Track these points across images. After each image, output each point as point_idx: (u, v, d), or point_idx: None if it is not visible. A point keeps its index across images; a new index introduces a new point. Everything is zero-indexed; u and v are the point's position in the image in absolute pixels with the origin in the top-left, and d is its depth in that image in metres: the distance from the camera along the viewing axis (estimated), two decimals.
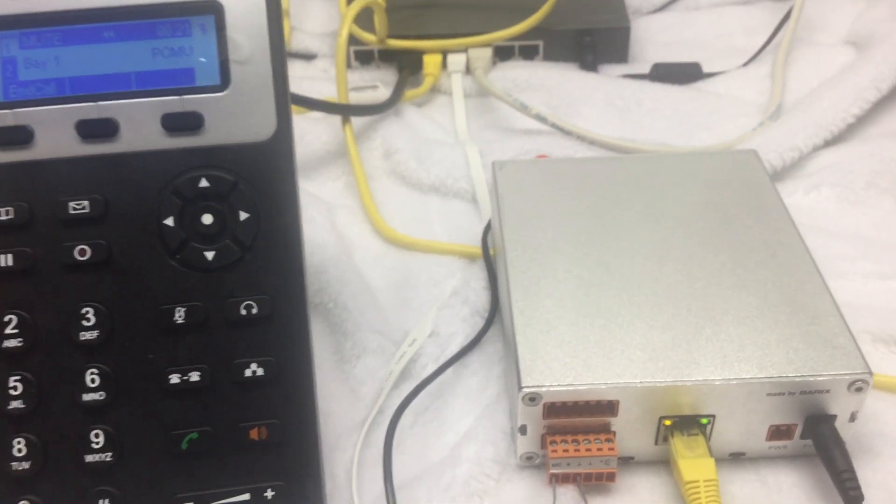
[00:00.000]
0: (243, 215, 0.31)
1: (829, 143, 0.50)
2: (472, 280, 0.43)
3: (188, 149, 0.31)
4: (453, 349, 0.39)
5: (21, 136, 0.30)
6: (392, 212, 0.49)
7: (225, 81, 0.31)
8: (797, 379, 0.32)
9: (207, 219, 0.31)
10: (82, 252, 0.30)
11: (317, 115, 0.55)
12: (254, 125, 0.31)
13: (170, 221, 0.31)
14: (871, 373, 0.32)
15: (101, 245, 0.30)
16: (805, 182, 0.48)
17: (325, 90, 0.56)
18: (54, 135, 0.30)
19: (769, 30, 0.60)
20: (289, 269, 0.31)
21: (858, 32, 0.60)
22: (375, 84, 0.58)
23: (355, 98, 0.55)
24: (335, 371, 0.39)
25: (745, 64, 0.59)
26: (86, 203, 0.30)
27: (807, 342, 0.33)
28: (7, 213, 0.30)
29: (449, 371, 0.38)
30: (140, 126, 0.31)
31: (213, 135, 0.31)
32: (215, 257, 0.31)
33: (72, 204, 0.30)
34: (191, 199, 0.31)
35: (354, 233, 0.47)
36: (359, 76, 0.60)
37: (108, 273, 0.30)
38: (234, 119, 0.31)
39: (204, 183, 0.31)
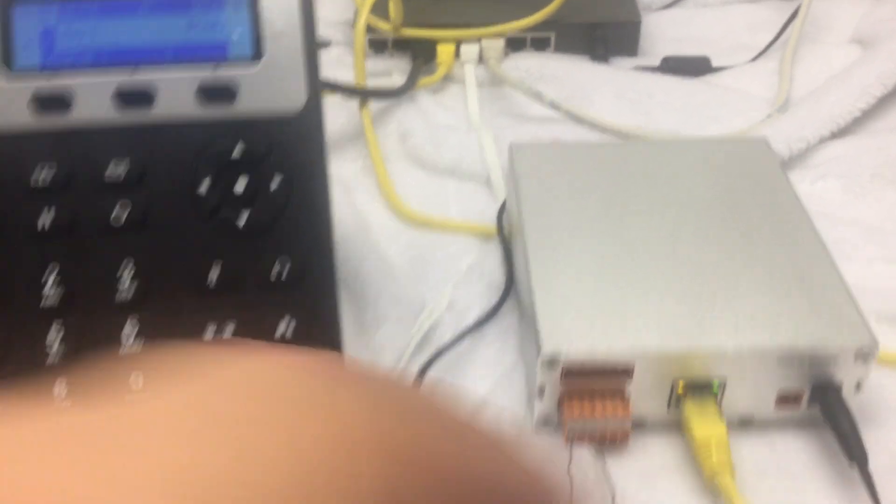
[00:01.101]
0: (275, 183, 0.32)
1: (835, 136, 0.51)
2: (488, 257, 0.44)
3: (222, 117, 0.32)
4: (470, 321, 0.40)
5: (61, 101, 0.31)
6: (408, 193, 0.50)
7: (258, 53, 0.32)
8: (806, 347, 0.33)
9: (240, 185, 0.32)
10: (119, 214, 0.31)
11: (334, 99, 0.56)
12: (285, 96, 0.32)
13: (204, 187, 0.32)
14: (877, 343, 0.33)
15: (136, 208, 0.31)
16: (812, 172, 0.49)
17: (340, 77, 0.58)
18: (93, 101, 0.32)
19: (776, 28, 0.62)
20: (318, 233, 0.32)
21: (864, 31, 0.61)
22: (389, 71, 0.59)
23: (371, 82, 0.56)
24: (356, 340, 0.40)
25: (754, 59, 0.61)
26: (123, 167, 0.31)
27: (815, 313, 0.34)
28: (48, 174, 0.31)
29: (466, 342, 0.40)
30: (176, 94, 0.32)
31: (246, 105, 0.32)
32: (248, 222, 0.32)
33: (109, 168, 0.31)
34: (225, 165, 0.32)
35: (372, 211, 0.48)
36: (372, 64, 0.61)
37: (144, 235, 0.32)
38: (267, 90, 0.32)
39: (237, 152, 0.32)
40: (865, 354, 0.33)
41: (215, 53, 0.32)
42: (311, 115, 0.32)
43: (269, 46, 0.32)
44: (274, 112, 0.32)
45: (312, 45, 0.33)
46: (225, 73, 0.32)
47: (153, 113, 0.32)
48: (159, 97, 0.32)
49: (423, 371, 0.36)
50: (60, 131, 0.32)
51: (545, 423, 0.35)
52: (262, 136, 0.32)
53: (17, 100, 0.31)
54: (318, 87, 0.33)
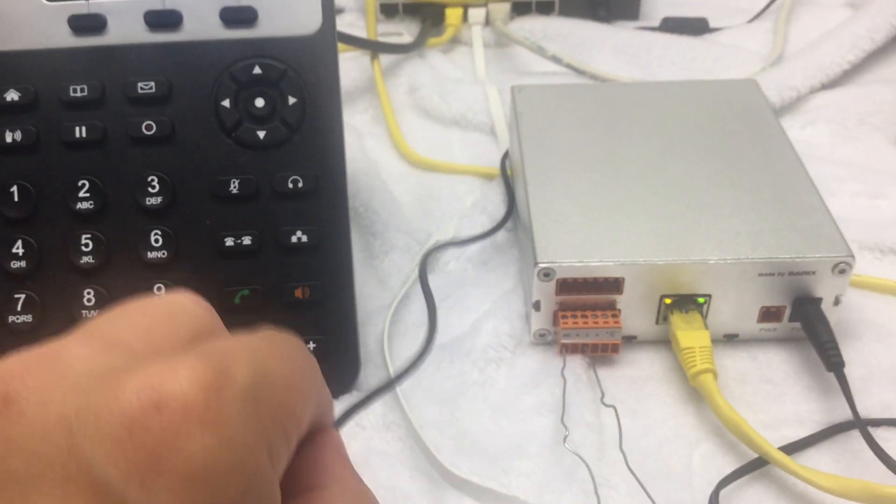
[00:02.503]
0: (291, 100, 0.34)
1: (825, 86, 0.54)
2: (491, 194, 0.46)
3: (244, 39, 0.34)
4: (473, 250, 0.43)
5: (95, 23, 0.34)
6: (416, 141, 0.52)
7: None
8: (786, 260, 0.35)
9: (260, 102, 0.34)
10: (148, 127, 0.34)
11: (346, 55, 0.58)
12: (302, 20, 0.35)
13: (226, 103, 0.34)
14: (852, 255, 0.35)
15: (164, 122, 0.34)
16: (801, 118, 0.51)
17: None
18: (125, 23, 0.34)
19: None
20: (331, 149, 0.35)
21: None
22: (400, 32, 0.62)
23: (384, 41, 0.59)
24: (365, 266, 0.42)
25: (750, 21, 0.63)
26: (152, 84, 0.34)
27: (795, 230, 0.36)
28: (82, 90, 0.34)
29: (468, 267, 0.42)
30: (201, 18, 0.34)
31: (265, 27, 0.35)
32: (266, 136, 0.34)
33: (140, 84, 0.34)
34: (245, 83, 0.34)
35: (381, 156, 0.51)
36: (383, 27, 0.63)
37: (170, 147, 0.34)
38: (285, 14, 0.35)
39: (257, 70, 0.34)
40: (843, 267, 0.35)
41: None
42: (324, 38, 0.35)
43: None
44: (291, 34, 0.34)
45: None
46: None
47: (180, 34, 0.34)
48: (186, 20, 0.34)
49: (428, 253, 0.39)
50: (95, 50, 0.34)
51: (541, 335, 0.38)
52: (280, 57, 0.34)
53: (56, 21, 0.34)
54: (332, 13, 0.35)
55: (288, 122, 0.34)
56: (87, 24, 0.34)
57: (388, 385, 0.32)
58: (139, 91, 0.34)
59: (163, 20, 0.34)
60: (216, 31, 0.34)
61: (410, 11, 0.65)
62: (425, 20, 0.63)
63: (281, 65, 0.34)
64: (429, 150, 0.51)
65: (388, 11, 0.65)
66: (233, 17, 0.34)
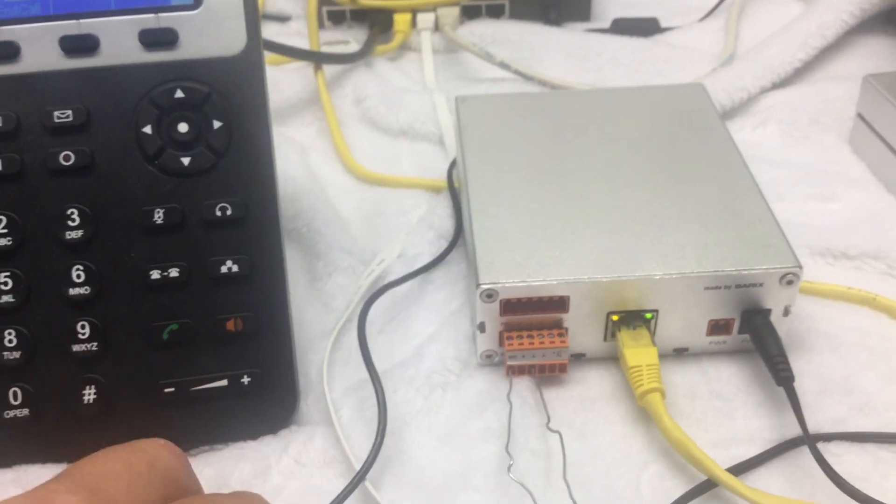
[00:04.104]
0: (216, 124, 0.33)
1: (776, 86, 0.53)
2: (438, 209, 0.45)
3: (164, 62, 0.33)
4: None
5: (8, 51, 0.32)
6: (363, 153, 0.51)
7: (197, 0, 0.33)
8: (732, 272, 0.34)
9: (183, 127, 0.33)
10: (67, 158, 0.32)
11: (290, 66, 0.57)
12: (225, 40, 0.33)
13: (148, 129, 0.33)
14: (800, 266, 0.34)
15: (84, 151, 0.33)
16: (752, 119, 0.51)
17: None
18: (39, 50, 0.33)
19: None
20: (261, 174, 0.34)
21: None
22: (347, 40, 0.61)
23: (328, 51, 0.57)
24: (308, 288, 0.41)
25: (701, 19, 0.62)
26: (69, 112, 0.32)
27: (742, 242, 0.35)
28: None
29: (415, 286, 0.41)
30: (119, 41, 0.33)
31: (187, 49, 0.33)
32: (191, 163, 0.33)
33: (56, 113, 0.32)
34: (167, 108, 0.33)
35: (326, 171, 0.50)
36: (331, 34, 0.62)
37: (91, 177, 0.33)
38: (207, 34, 0.33)
39: (179, 94, 0.33)
40: (790, 278, 0.34)
41: (157, 0, 0.33)
42: (250, 58, 0.33)
43: None
44: (214, 55, 0.33)
45: None
46: (166, 18, 0.33)
47: (97, 59, 0.33)
48: (103, 44, 0.33)
49: (367, 306, 0.37)
50: (8, 79, 0.33)
51: (488, 356, 0.37)
52: (203, 80, 0.33)
53: None
54: (257, 31, 0.34)
55: (213, 147, 0.33)
56: (0, 51, 0.32)
57: (354, 483, 0.31)
58: (56, 120, 0.32)
59: (79, 45, 0.33)
60: (135, 54, 0.33)
61: (358, 18, 0.63)
62: (373, 27, 0.61)
63: (204, 87, 0.33)
64: (376, 162, 0.50)
65: (336, 18, 0.64)
66: (152, 39, 0.33)
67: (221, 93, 0.33)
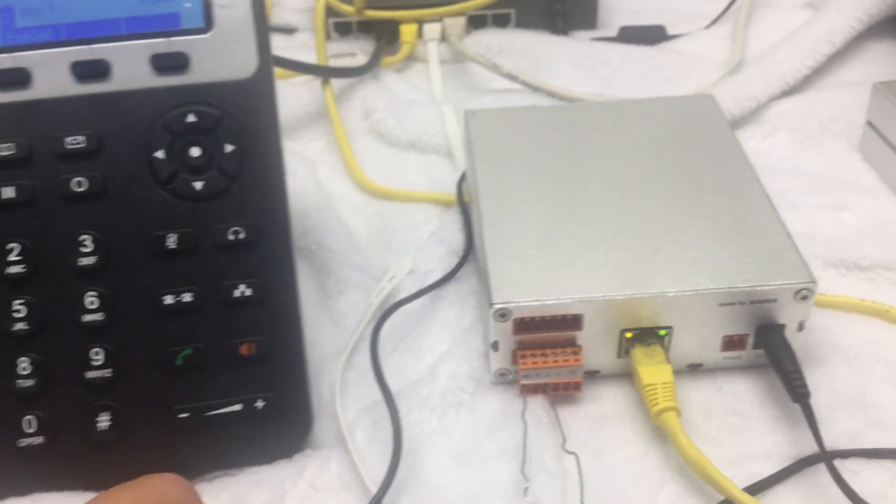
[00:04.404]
0: (228, 147, 0.33)
1: (785, 94, 0.53)
2: (448, 223, 0.45)
3: (176, 87, 0.33)
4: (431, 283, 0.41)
5: (20, 77, 0.32)
6: (372, 167, 0.51)
7: (209, 24, 0.33)
8: (746, 289, 0.34)
9: (195, 151, 0.33)
10: (79, 184, 0.32)
11: (299, 79, 0.57)
12: (236, 63, 0.33)
13: (160, 154, 0.33)
14: (814, 282, 0.34)
15: (96, 177, 0.33)
16: (762, 128, 0.51)
17: (307, 61, 0.59)
18: (51, 76, 0.33)
19: None
20: (272, 197, 0.33)
21: None
22: (354, 52, 0.61)
23: (335, 64, 0.57)
24: (319, 306, 0.41)
25: (708, 26, 0.62)
26: (81, 138, 0.32)
27: (755, 257, 0.35)
28: (9, 148, 0.32)
29: (427, 303, 0.41)
30: (130, 66, 0.33)
31: (198, 73, 0.33)
32: (203, 187, 0.33)
33: (68, 139, 0.32)
34: (179, 133, 0.33)
35: (336, 186, 0.50)
36: (338, 47, 0.62)
37: (103, 203, 0.33)
38: (218, 58, 0.33)
39: (191, 118, 0.33)
40: (805, 293, 0.34)
41: (168, 24, 0.33)
42: (262, 81, 0.33)
43: (219, 16, 0.33)
44: (225, 79, 0.33)
45: (262, 14, 0.34)
46: (177, 43, 0.33)
47: (109, 85, 0.33)
48: (115, 69, 0.33)
49: (379, 325, 0.37)
50: (20, 105, 0.33)
51: (502, 375, 0.36)
52: (215, 103, 0.33)
53: None
54: (268, 55, 0.34)
55: (226, 170, 0.33)
56: (11, 78, 0.32)
57: None
58: (67, 146, 0.32)
59: (90, 70, 0.33)
60: (147, 79, 0.33)
61: (365, 29, 0.63)
62: (380, 38, 0.61)
63: (216, 111, 0.33)
64: (385, 176, 0.50)
65: (343, 30, 0.63)
66: (164, 63, 0.33)
67: (233, 116, 0.33)
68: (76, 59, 0.33)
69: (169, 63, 0.33)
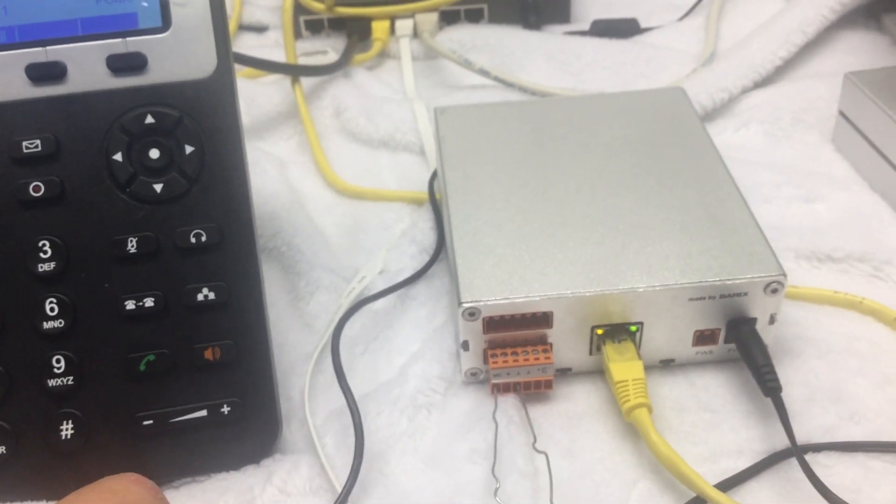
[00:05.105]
0: (188, 149, 0.32)
1: (758, 85, 0.53)
2: (420, 222, 0.45)
3: (133, 87, 0.32)
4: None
5: None
6: (343, 166, 0.50)
7: (166, 23, 0.33)
8: (716, 283, 0.34)
9: (154, 153, 0.32)
10: (36, 188, 0.32)
11: (268, 78, 0.56)
12: (195, 63, 0.33)
13: (118, 157, 0.32)
14: (784, 274, 0.34)
15: (54, 181, 0.32)
16: (734, 121, 0.50)
17: (277, 59, 0.58)
18: (5, 79, 0.32)
19: None
20: (235, 198, 0.33)
21: None
22: (325, 49, 0.60)
23: (305, 61, 0.57)
24: (290, 308, 0.41)
25: (681, 18, 0.62)
26: (38, 142, 0.32)
27: (725, 251, 0.35)
28: None
29: (398, 303, 0.40)
30: (87, 68, 0.32)
31: (156, 74, 0.33)
32: (163, 189, 0.32)
33: (24, 143, 0.32)
34: (138, 135, 0.32)
35: (307, 186, 0.49)
36: (310, 44, 0.62)
37: (62, 208, 0.32)
38: (176, 58, 0.33)
39: (149, 119, 0.32)
40: (775, 286, 0.34)
41: (124, 25, 0.33)
42: (221, 80, 0.33)
43: (177, 15, 0.33)
44: (184, 79, 0.33)
45: (220, 12, 0.33)
46: (134, 43, 0.32)
47: (65, 87, 0.32)
48: (70, 71, 0.32)
49: (342, 323, 0.37)
50: None
51: (473, 374, 0.36)
52: (174, 104, 0.32)
53: None
54: (228, 53, 0.33)
55: (186, 172, 0.33)
56: None
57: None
58: (24, 150, 0.32)
59: (46, 73, 0.32)
60: (104, 80, 0.32)
61: (336, 26, 0.63)
62: (351, 35, 0.61)
63: (175, 112, 0.32)
64: (357, 175, 0.50)
65: (313, 27, 0.63)
66: (120, 64, 0.32)
67: (193, 116, 0.33)
68: (31, 62, 0.32)
69: (126, 63, 0.32)
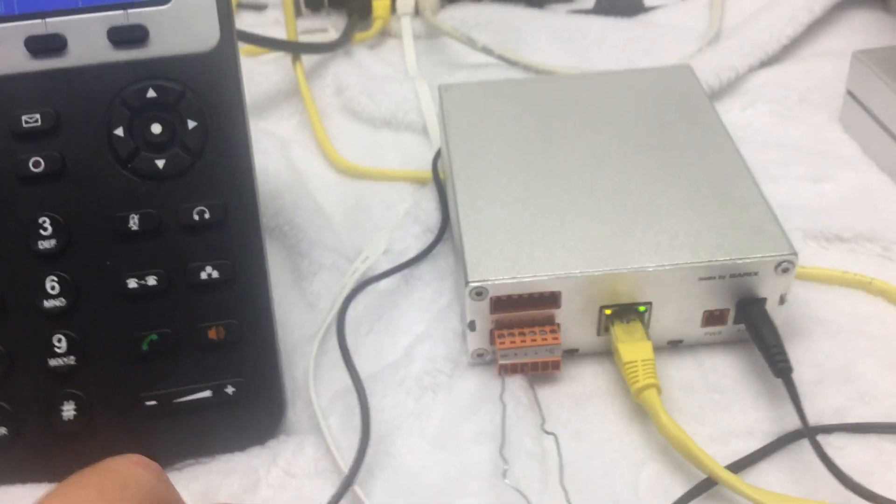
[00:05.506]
0: (191, 123, 0.32)
1: (764, 64, 0.52)
2: (423, 201, 0.44)
3: (135, 61, 0.32)
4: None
5: None
6: (346, 146, 0.50)
7: None
8: (726, 262, 0.34)
9: (156, 128, 0.32)
10: (36, 164, 0.31)
11: (268, 57, 0.56)
12: (197, 36, 0.32)
13: (120, 132, 0.32)
14: (795, 253, 0.34)
15: (54, 157, 0.31)
16: (741, 99, 0.50)
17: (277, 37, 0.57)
18: (4, 52, 0.31)
19: None
20: (239, 174, 0.32)
21: None
22: (325, 28, 0.59)
23: (306, 39, 0.56)
24: (293, 288, 0.40)
25: None
26: (38, 116, 0.31)
27: (735, 229, 0.35)
28: None
29: (402, 283, 0.40)
30: (87, 41, 0.32)
31: (158, 47, 0.32)
32: (166, 165, 0.32)
33: (24, 117, 0.31)
34: (139, 109, 0.32)
35: (309, 165, 0.48)
36: (309, 23, 0.61)
37: (62, 184, 0.31)
38: (178, 30, 0.32)
39: (151, 93, 0.32)
40: (786, 266, 0.34)
41: None
42: (224, 53, 0.32)
43: None
44: (186, 52, 0.32)
45: None
46: (135, 15, 0.32)
47: (65, 60, 0.31)
48: (71, 43, 0.31)
49: (346, 304, 0.36)
50: None
51: (479, 355, 0.36)
52: (176, 77, 0.32)
53: None
54: (230, 25, 0.32)
55: (189, 147, 0.32)
56: None
57: (340, 491, 0.30)
58: (24, 125, 0.31)
59: (46, 45, 0.31)
60: (105, 53, 0.32)
61: (336, 4, 0.62)
62: (352, 14, 0.60)
63: (178, 86, 0.32)
64: (359, 154, 0.49)
65: (314, 5, 0.62)
66: (121, 37, 0.32)
67: (195, 91, 0.32)
68: (31, 34, 0.31)
69: (127, 36, 0.32)
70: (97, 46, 0.32)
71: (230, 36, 0.32)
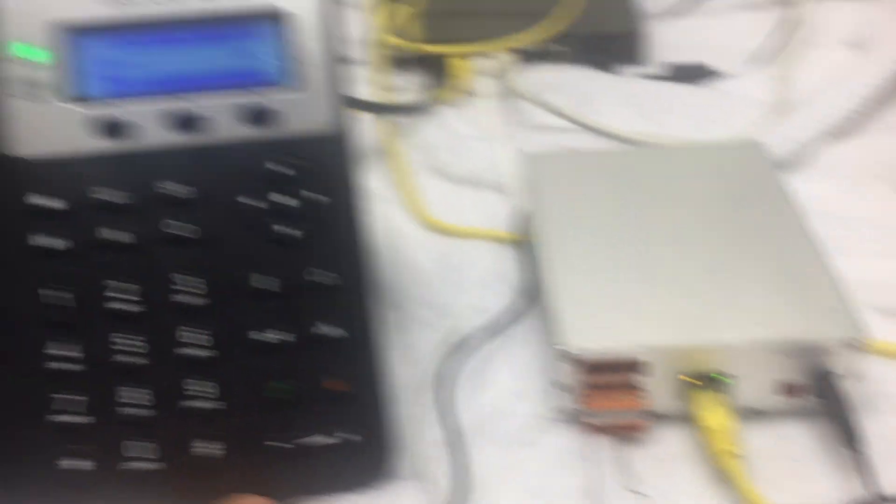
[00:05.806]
0: (316, 197, 0.35)
1: (834, 138, 0.54)
2: (509, 261, 0.47)
3: (266, 139, 0.35)
4: (495, 322, 0.43)
5: (119, 128, 0.35)
6: (430, 203, 0.53)
7: (295, 80, 0.35)
8: (802, 339, 0.36)
9: (285, 200, 0.35)
10: (179, 230, 0.35)
11: (359, 116, 0.59)
12: (321, 118, 0.36)
13: (252, 202, 0.35)
14: (865, 333, 0.36)
15: (194, 226, 0.35)
16: (809, 173, 0.52)
17: (364, 95, 0.60)
18: (147, 126, 0.35)
19: (776, 33, 0.65)
20: (355, 245, 0.36)
21: (859, 34, 0.64)
22: (409, 87, 0.62)
23: (391, 99, 0.59)
24: (390, 341, 0.43)
25: (754, 65, 0.63)
26: (180, 187, 0.35)
27: (809, 307, 0.37)
28: (112, 195, 0.34)
29: (495, 341, 0.43)
30: (223, 119, 0.35)
31: (286, 127, 0.36)
32: (293, 234, 0.35)
33: (168, 187, 0.35)
34: (271, 183, 0.35)
35: (397, 221, 0.51)
36: (394, 81, 0.64)
37: (202, 248, 0.35)
38: (304, 113, 0.36)
39: (281, 169, 0.35)
40: (856, 345, 0.36)
41: (258, 80, 0.36)
42: (345, 135, 0.36)
43: (305, 74, 0.35)
44: (311, 133, 0.35)
45: (342, 71, 0.36)
46: (267, 98, 0.35)
47: (205, 136, 0.35)
48: (211, 121, 0.35)
49: (448, 363, 0.39)
50: (120, 155, 0.35)
51: (566, 416, 0.38)
52: (305, 155, 0.35)
53: (80, 125, 0.35)
54: (347, 109, 0.36)
55: (313, 219, 0.35)
56: (112, 128, 0.35)
57: None
58: (167, 195, 0.35)
59: (186, 122, 0.35)
60: (238, 131, 0.35)
61: (421, 64, 0.65)
62: (436, 74, 0.63)
63: (306, 163, 0.35)
64: (443, 212, 0.52)
65: (400, 64, 0.65)
66: (254, 117, 0.35)
67: (321, 168, 0.35)
68: (171, 111, 0.35)
69: (258, 117, 0.35)
70: (232, 125, 0.35)
71: (349, 119, 0.36)
